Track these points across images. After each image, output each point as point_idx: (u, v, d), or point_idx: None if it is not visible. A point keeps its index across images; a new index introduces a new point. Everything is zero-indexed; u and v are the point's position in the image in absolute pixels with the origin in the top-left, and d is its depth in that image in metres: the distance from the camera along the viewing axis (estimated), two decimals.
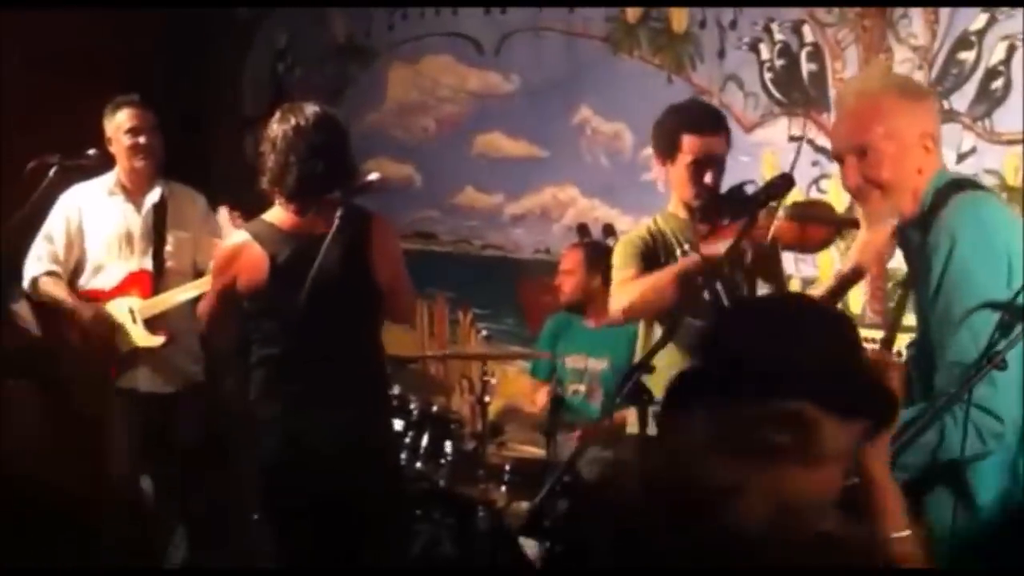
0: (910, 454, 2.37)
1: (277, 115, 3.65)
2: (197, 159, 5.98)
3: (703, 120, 3.67)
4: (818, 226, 3.44)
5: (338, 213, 3.53)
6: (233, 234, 3.76)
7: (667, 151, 3.66)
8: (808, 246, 3.61)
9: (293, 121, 3.58)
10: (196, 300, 4.59)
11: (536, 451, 4.72)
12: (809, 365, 1.71)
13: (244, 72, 6.74)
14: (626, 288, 3.58)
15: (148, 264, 4.67)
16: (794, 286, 4.74)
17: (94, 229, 4.70)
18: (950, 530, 2.38)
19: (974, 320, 2.41)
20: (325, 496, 3.57)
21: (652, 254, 3.65)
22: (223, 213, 3.99)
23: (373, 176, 3.71)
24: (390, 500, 3.74)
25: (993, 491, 2.46)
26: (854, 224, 3.40)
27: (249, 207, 3.93)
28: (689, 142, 3.60)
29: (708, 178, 3.60)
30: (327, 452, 3.55)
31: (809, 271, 4.93)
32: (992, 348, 2.31)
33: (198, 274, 4.74)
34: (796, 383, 1.69)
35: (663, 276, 3.52)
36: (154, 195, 4.72)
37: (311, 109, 3.62)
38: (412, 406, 4.78)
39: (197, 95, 6.47)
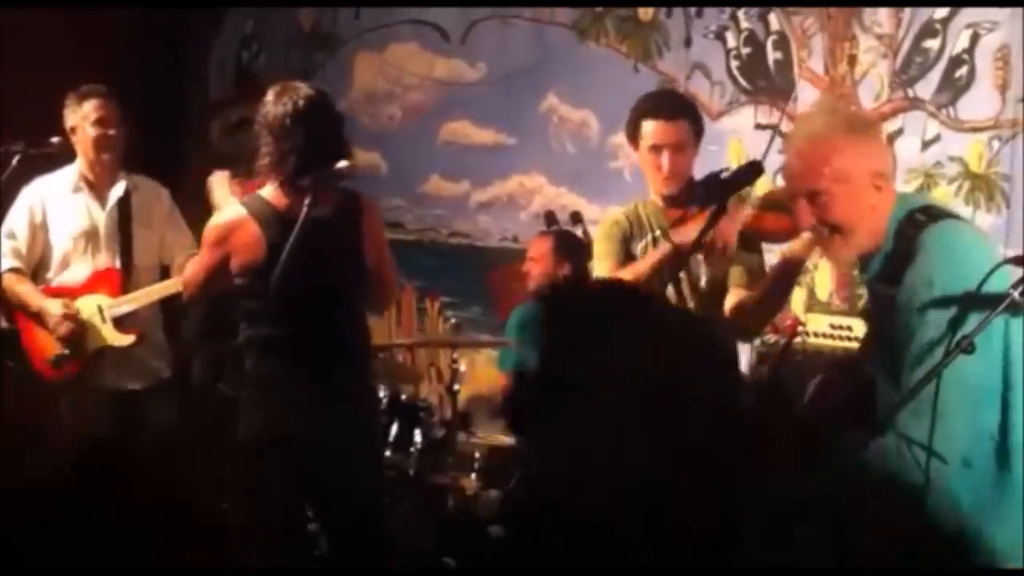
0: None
1: (271, 96, 3.61)
2: (164, 145, 5.93)
3: (662, 106, 3.70)
4: (788, 216, 3.45)
5: (307, 195, 3.51)
6: (227, 208, 3.70)
7: (631, 137, 3.72)
8: (778, 236, 3.62)
9: (290, 104, 3.55)
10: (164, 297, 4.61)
11: (506, 439, 4.73)
12: None
13: (210, 58, 6.69)
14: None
15: (115, 261, 4.61)
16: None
17: (58, 224, 4.62)
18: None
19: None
20: (306, 478, 3.57)
21: (628, 237, 3.71)
22: (219, 178, 3.88)
23: (342, 164, 3.68)
24: (371, 484, 3.74)
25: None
26: None
27: None
28: (647, 127, 3.64)
29: (665, 164, 3.62)
30: (314, 435, 3.53)
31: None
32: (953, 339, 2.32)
33: (164, 269, 4.71)
34: None
35: (639, 266, 3.57)
36: (118, 189, 4.65)
37: (306, 91, 3.61)
38: (381, 395, 4.77)
39: (163, 81, 6.42)
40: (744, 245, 3.50)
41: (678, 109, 3.71)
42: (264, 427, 3.60)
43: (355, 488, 3.63)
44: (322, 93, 3.67)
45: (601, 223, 3.90)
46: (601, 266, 3.72)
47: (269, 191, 3.62)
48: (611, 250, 3.71)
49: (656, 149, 3.63)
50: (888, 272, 2.52)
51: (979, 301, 2.36)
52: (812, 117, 2.96)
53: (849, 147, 2.55)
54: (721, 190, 3.36)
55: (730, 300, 3.62)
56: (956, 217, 2.68)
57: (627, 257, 3.69)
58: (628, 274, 3.54)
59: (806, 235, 2.94)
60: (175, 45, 6.54)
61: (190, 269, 3.84)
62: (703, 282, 3.62)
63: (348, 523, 3.68)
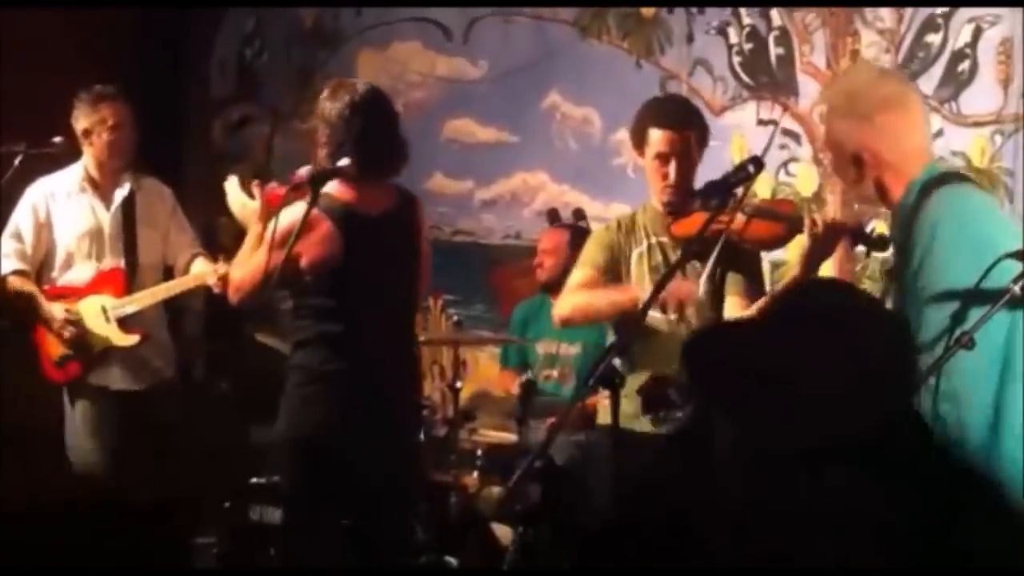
0: None
1: (326, 93, 3.63)
2: (165, 145, 5.93)
3: (669, 114, 3.70)
4: (776, 224, 3.46)
5: (307, 195, 3.50)
6: (295, 206, 3.56)
7: (637, 144, 3.72)
8: (768, 243, 3.61)
9: (348, 98, 3.57)
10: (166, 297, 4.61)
11: (508, 436, 4.73)
12: None
13: (212, 57, 6.69)
14: (570, 298, 3.76)
15: (119, 262, 4.62)
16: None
17: (63, 224, 4.63)
18: None
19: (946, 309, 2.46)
20: (352, 472, 3.57)
21: (617, 248, 3.74)
22: (232, 183, 3.78)
23: (344, 162, 3.68)
24: (407, 483, 3.77)
25: None
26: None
27: (218, 188, 3.87)
28: (653, 135, 3.65)
29: (671, 172, 3.62)
30: (375, 432, 3.54)
31: (778, 253, 4.95)
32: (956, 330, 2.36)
33: (167, 269, 4.71)
34: None
35: (601, 300, 3.66)
36: (123, 189, 4.66)
37: (363, 86, 3.65)
38: None
39: (164, 81, 6.42)
40: (739, 252, 3.51)
41: (686, 118, 3.71)
42: (324, 423, 3.57)
43: (395, 487, 3.64)
44: (377, 89, 3.71)
45: (593, 232, 3.94)
46: (580, 271, 3.76)
47: (335, 186, 3.59)
48: (593, 258, 3.75)
49: (662, 157, 3.64)
50: (905, 225, 2.60)
51: (980, 296, 2.39)
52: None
53: (837, 123, 2.69)
54: (724, 186, 3.36)
55: (729, 307, 3.61)
56: (980, 186, 2.78)
57: (615, 267, 3.72)
58: (588, 302, 3.68)
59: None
60: (176, 44, 6.55)
61: (242, 272, 3.64)
62: (700, 289, 3.61)
63: (376, 521, 3.67)
